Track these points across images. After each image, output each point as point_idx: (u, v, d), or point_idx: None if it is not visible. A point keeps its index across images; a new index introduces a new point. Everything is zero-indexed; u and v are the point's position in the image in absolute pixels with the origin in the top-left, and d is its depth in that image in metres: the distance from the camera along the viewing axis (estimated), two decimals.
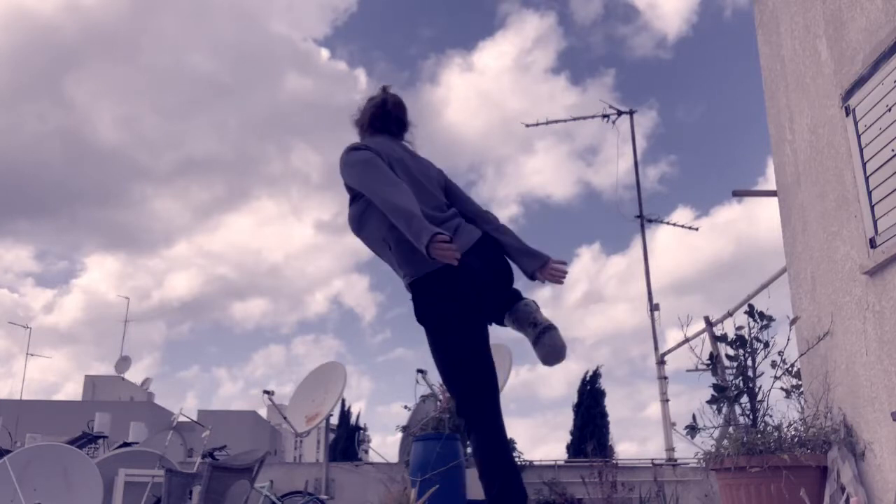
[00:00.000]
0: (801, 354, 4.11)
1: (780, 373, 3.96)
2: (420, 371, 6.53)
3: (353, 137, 3.16)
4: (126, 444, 6.84)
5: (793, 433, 3.69)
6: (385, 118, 3.08)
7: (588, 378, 13.88)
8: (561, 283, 2.95)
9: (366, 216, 2.88)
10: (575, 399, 13.84)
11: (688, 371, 4.51)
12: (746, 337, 3.99)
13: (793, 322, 4.09)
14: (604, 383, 13.97)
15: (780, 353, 3.99)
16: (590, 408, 13.54)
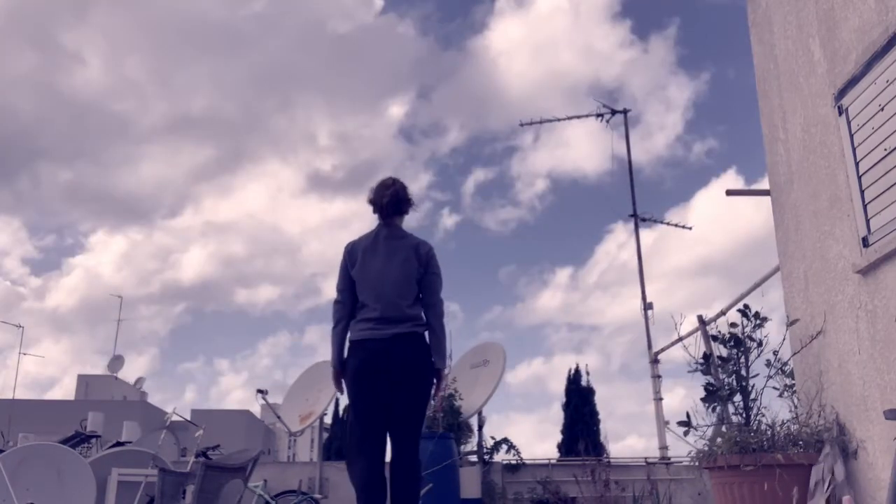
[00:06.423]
0: (795, 353, 4.12)
1: (773, 372, 3.97)
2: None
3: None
4: (119, 444, 6.83)
5: (786, 432, 3.70)
6: (376, 210, 3.66)
7: (571, 376, 13.77)
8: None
9: None
10: (563, 398, 13.76)
11: (682, 370, 4.53)
12: (740, 336, 3.99)
13: (790, 324, 4.09)
14: (592, 381, 13.86)
15: (775, 353, 4.00)
16: (578, 406, 13.47)
